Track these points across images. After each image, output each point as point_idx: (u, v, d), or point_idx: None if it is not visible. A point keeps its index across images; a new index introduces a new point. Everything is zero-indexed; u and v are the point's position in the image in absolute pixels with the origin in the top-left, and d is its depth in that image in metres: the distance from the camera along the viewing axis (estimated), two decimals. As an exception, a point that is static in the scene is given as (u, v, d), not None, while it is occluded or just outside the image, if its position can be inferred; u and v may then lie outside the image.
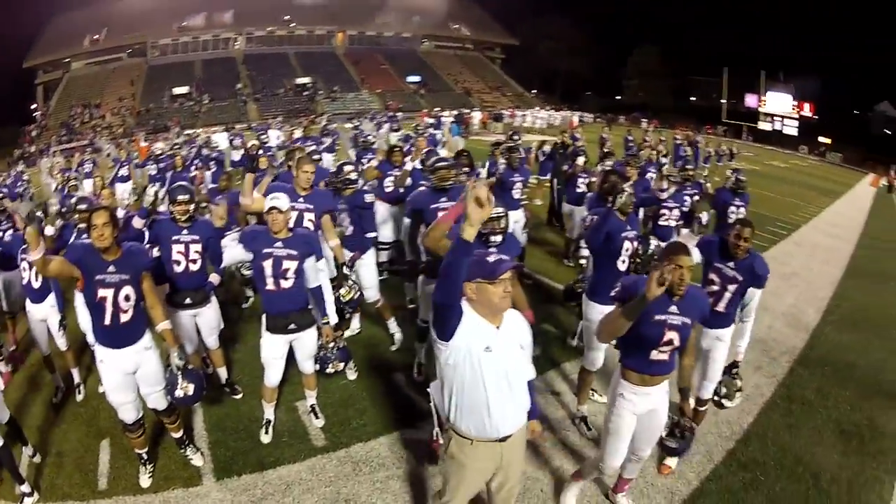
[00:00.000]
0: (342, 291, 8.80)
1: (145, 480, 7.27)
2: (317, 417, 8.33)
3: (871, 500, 7.07)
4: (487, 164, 15.00)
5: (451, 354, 4.57)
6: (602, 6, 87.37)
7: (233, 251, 7.47)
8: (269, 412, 8.05)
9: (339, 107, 75.68)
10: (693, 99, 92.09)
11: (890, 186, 47.59)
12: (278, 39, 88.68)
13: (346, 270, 9.01)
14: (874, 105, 75.66)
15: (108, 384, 6.72)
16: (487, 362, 4.55)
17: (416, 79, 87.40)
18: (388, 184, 11.82)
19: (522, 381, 4.90)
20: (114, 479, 7.38)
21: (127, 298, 6.36)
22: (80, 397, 9.36)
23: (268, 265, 7.15)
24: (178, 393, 6.81)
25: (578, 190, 14.18)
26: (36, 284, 8.88)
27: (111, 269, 6.26)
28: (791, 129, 75.14)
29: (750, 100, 79.67)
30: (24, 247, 8.63)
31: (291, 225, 7.58)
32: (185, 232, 8.02)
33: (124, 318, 6.41)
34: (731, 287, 7.08)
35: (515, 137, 18.06)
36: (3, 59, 71.85)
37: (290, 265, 7.19)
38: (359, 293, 9.09)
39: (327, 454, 7.63)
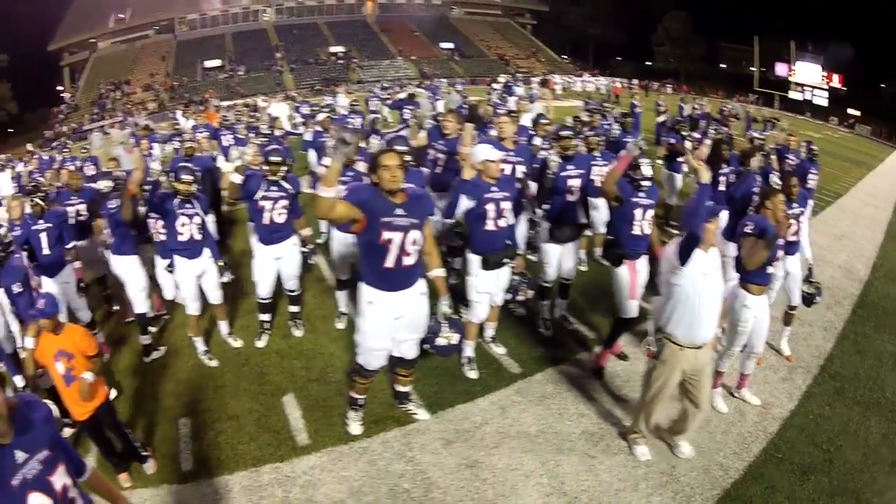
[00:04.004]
0: None
1: (356, 428, 7.59)
2: (498, 346, 9.21)
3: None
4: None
5: (682, 276, 6.25)
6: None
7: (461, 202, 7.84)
8: (470, 350, 8.65)
9: (376, 74, 75.20)
10: (723, 66, 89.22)
11: (919, 162, 48.37)
12: (308, 9, 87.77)
13: None
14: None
15: (370, 328, 6.70)
16: (703, 283, 6.23)
17: (450, 45, 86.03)
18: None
19: (719, 301, 6.54)
20: (315, 432, 7.68)
21: (414, 242, 6.32)
22: (236, 342, 9.90)
23: (490, 208, 7.73)
24: (441, 341, 6.84)
25: (679, 160, 15.05)
26: (198, 236, 9.09)
27: (399, 212, 6.20)
28: (821, 99, 72.56)
29: (780, 69, 76.81)
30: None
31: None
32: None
33: (407, 261, 6.37)
34: (801, 219, 9.27)
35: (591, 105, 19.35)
36: (27, 44, 72.45)
37: (506, 205, 7.85)
38: None
39: (526, 379, 8.63)
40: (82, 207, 11.19)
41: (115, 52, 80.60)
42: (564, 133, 9.34)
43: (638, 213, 8.05)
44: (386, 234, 6.16)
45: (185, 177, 8.94)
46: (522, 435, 7.49)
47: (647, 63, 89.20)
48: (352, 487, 6.83)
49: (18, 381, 7.45)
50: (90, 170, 16.75)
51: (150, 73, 74.42)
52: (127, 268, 9.85)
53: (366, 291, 6.61)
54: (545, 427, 7.63)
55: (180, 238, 9.01)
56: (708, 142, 13.54)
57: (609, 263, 8.57)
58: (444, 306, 6.86)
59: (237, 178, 8.93)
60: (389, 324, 6.67)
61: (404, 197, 6.29)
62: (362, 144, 10.06)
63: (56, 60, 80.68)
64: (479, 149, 8.01)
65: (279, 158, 9.01)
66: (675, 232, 14.21)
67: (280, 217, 9.09)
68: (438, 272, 6.93)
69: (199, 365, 9.47)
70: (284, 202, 9.03)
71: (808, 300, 9.33)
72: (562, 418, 7.80)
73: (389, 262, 6.31)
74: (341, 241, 9.39)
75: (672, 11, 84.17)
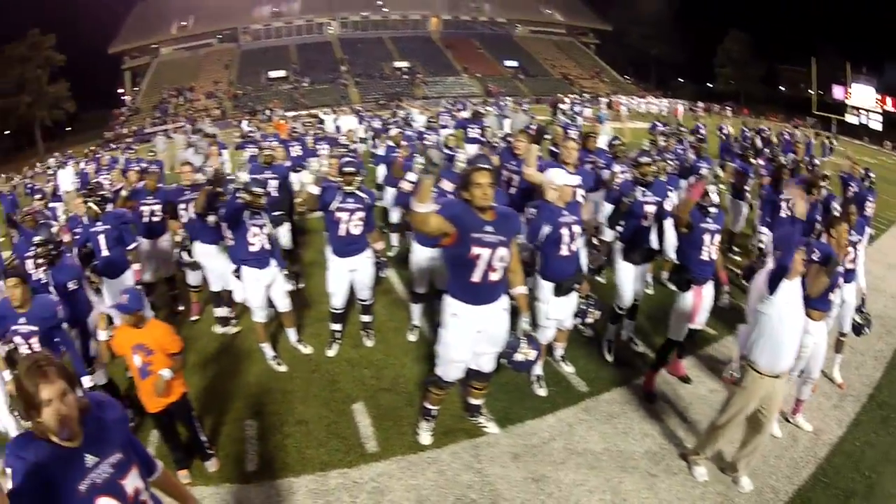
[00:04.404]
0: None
1: (426, 438, 7.75)
2: (567, 365, 9.34)
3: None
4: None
5: (770, 305, 6.32)
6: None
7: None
8: (539, 368, 8.74)
9: (440, 90, 74.89)
10: (782, 89, 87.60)
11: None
12: (373, 24, 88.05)
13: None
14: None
15: (452, 339, 6.80)
16: (788, 312, 6.30)
17: (514, 63, 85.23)
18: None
19: (801, 330, 6.61)
20: (384, 440, 7.84)
21: (502, 259, 6.39)
22: (305, 349, 10.11)
23: (565, 233, 7.82)
24: (518, 357, 6.81)
25: (746, 188, 15.06)
26: (268, 246, 9.24)
27: (489, 229, 6.28)
28: (876, 123, 68.92)
29: (837, 91, 73.00)
30: (277, 214, 9.45)
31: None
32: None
33: (493, 276, 6.44)
34: (859, 247, 9.33)
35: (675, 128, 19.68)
36: (87, 45, 73.48)
37: (577, 230, 7.97)
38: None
39: (593, 398, 8.79)
40: (157, 208, 11.43)
41: (178, 59, 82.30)
42: (643, 160, 9.54)
43: (706, 238, 8.22)
44: (475, 250, 6.29)
45: (257, 189, 9.15)
46: (588, 452, 7.64)
47: (707, 85, 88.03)
48: (420, 496, 6.97)
49: (86, 381, 7.57)
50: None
51: (214, 80, 75.57)
52: (207, 254, 10.41)
53: (450, 304, 6.75)
54: (610, 445, 7.78)
55: (251, 248, 9.18)
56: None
57: (676, 288, 8.70)
58: (525, 323, 6.91)
59: (315, 190, 9.13)
60: (472, 336, 6.79)
61: (494, 215, 6.42)
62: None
63: (116, 63, 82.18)
64: (553, 173, 8.17)
65: (353, 169, 9.13)
66: (738, 258, 14.39)
67: (356, 229, 9.19)
68: (521, 290, 7.01)
69: (267, 369, 9.68)
70: (361, 214, 9.16)
71: (857, 329, 9.38)
72: (626, 437, 7.95)
73: (476, 276, 6.43)
74: (422, 255, 9.56)
75: (732, 32, 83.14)
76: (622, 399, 8.81)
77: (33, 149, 69.58)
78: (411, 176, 9.73)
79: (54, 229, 10.19)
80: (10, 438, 7.40)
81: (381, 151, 16.10)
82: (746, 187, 14.97)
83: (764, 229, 11.85)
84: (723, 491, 7.08)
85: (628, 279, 9.53)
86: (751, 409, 6.70)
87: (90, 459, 3.53)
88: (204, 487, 7.17)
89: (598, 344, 10.18)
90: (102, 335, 7.08)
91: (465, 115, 24.02)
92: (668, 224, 9.08)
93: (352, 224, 9.13)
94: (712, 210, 8.24)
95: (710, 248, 8.29)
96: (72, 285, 8.50)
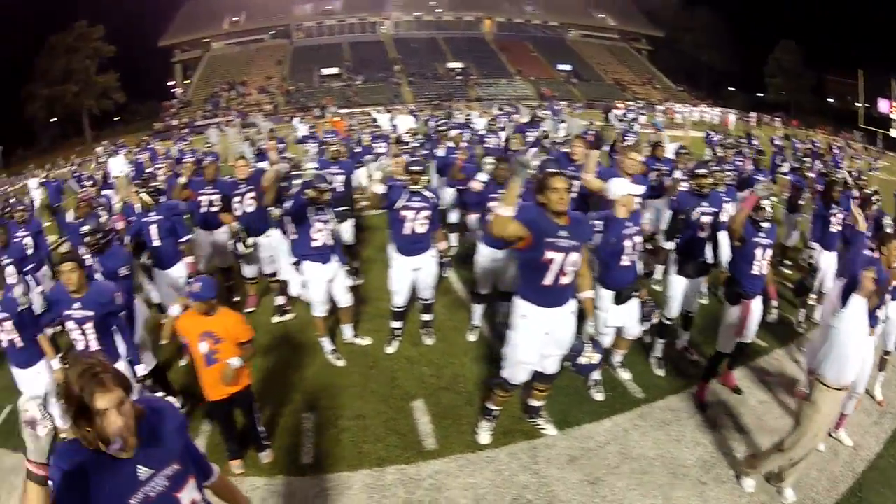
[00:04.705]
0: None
1: (486, 437, 7.85)
2: (624, 371, 9.43)
3: None
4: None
5: (841, 319, 6.34)
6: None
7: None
8: (597, 374, 8.83)
9: (493, 92, 74.55)
10: (831, 100, 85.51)
11: None
12: (426, 24, 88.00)
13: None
14: None
15: (521, 341, 6.94)
16: (855, 326, 6.30)
17: (567, 67, 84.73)
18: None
19: (864, 344, 6.63)
20: (443, 438, 7.97)
21: (573, 264, 6.51)
22: (363, 341, 10.36)
23: (628, 244, 7.95)
24: (583, 360, 6.99)
25: (800, 202, 15.01)
26: (330, 242, 9.32)
27: (563, 233, 6.38)
28: None
29: (883, 105, 71.62)
30: (342, 210, 9.62)
31: None
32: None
33: (564, 280, 6.56)
34: None
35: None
36: (138, 39, 74.43)
37: (638, 240, 8.11)
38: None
39: (648, 404, 8.84)
40: (216, 198, 11.51)
41: (230, 53, 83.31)
42: (701, 171, 9.62)
43: (758, 252, 8.26)
44: (549, 254, 6.41)
45: (322, 184, 9.24)
46: (642, 457, 7.73)
47: (758, 94, 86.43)
48: (477, 494, 7.09)
49: (140, 369, 7.81)
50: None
51: (266, 75, 76.20)
52: (277, 240, 10.76)
53: (520, 305, 6.89)
54: (663, 451, 7.87)
55: (314, 244, 9.26)
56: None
57: (725, 301, 8.77)
58: (590, 327, 7.12)
59: (381, 189, 9.20)
60: (540, 339, 6.93)
61: (568, 220, 6.53)
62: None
63: (165, 55, 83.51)
64: (617, 183, 8.27)
65: (421, 168, 9.25)
66: (789, 272, 14.39)
67: (422, 227, 9.26)
68: (588, 294, 7.21)
69: (326, 364, 9.88)
70: (427, 212, 9.23)
71: None
72: (679, 445, 8.03)
73: (548, 280, 6.56)
74: (487, 256, 9.63)
75: (783, 42, 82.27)
76: (676, 407, 8.87)
77: (80, 137, 70.92)
78: (482, 176, 9.89)
79: (103, 219, 10.38)
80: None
81: (440, 152, 16.03)
82: (801, 201, 14.95)
83: (815, 245, 11.87)
84: (767, 501, 7.17)
85: (678, 292, 9.61)
86: (818, 427, 6.71)
87: (143, 472, 3.36)
88: (257, 478, 7.37)
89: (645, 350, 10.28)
90: (176, 310, 7.22)
91: (518, 117, 24.14)
92: (723, 235, 9.19)
93: (417, 223, 9.22)
94: (765, 224, 8.29)
95: (762, 263, 8.34)
96: (123, 271, 8.71)
